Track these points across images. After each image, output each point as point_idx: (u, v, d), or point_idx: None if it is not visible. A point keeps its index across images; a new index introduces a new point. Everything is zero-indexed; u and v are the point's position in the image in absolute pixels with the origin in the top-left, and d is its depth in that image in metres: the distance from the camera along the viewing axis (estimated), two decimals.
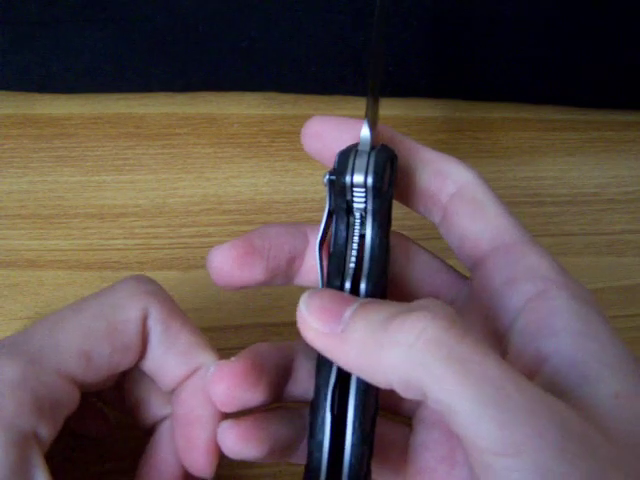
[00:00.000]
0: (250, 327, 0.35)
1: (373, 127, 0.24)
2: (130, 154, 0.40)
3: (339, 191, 0.23)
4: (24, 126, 0.40)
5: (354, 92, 0.41)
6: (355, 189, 0.23)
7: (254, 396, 0.24)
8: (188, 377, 0.26)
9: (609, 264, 0.39)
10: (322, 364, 0.23)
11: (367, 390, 0.23)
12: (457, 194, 0.25)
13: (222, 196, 0.39)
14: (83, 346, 0.24)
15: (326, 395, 0.23)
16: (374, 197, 0.23)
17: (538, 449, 0.18)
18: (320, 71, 0.39)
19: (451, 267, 0.27)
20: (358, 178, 0.23)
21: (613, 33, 0.38)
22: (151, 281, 0.26)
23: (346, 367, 0.22)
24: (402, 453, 0.26)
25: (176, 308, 0.26)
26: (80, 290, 0.35)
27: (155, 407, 0.27)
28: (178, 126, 0.41)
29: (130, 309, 0.25)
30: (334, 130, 0.25)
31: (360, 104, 0.42)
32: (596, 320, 0.22)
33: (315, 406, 0.23)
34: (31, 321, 0.34)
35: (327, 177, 0.24)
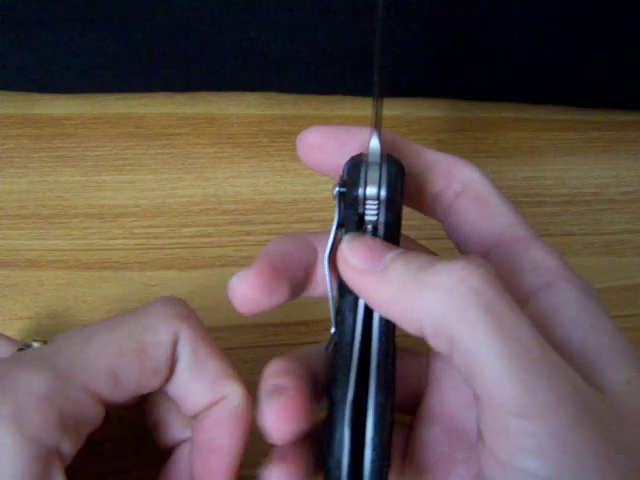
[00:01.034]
0: (250, 327, 0.35)
1: (380, 136, 0.23)
2: (130, 154, 0.40)
3: (350, 204, 0.23)
4: (24, 126, 0.40)
5: (354, 92, 0.41)
6: (368, 202, 0.23)
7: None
8: (212, 405, 0.25)
9: (609, 264, 0.39)
10: (339, 379, 0.23)
11: (386, 404, 0.23)
12: (463, 192, 0.25)
13: (222, 196, 0.39)
14: (112, 366, 0.23)
15: (344, 412, 0.22)
16: (387, 209, 0.23)
17: (556, 415, 0.18)
18: (320, 71, 0.39)
19: None
20: (371, 190, 0.22)
21: (613, 33, 0.38)
22: (184, 304, 0.26)
23: (379, 308, 0.22)
24: (402, 451, 0.26)
25: (206, 334, 0.26)
26: (80, 290, 0.35)
27: (175, 430, 0.27)
28: (178, 126, 0.41)
29: (161, 332, 0.24)
30: (335, 141, 0.25)
31: (360, 104, 0.42)
32: (602, 314, 0.22)
33: (332, 422, 0.23)
34: (31, 321, 0.34)
35: (337, 189, 0.23)
